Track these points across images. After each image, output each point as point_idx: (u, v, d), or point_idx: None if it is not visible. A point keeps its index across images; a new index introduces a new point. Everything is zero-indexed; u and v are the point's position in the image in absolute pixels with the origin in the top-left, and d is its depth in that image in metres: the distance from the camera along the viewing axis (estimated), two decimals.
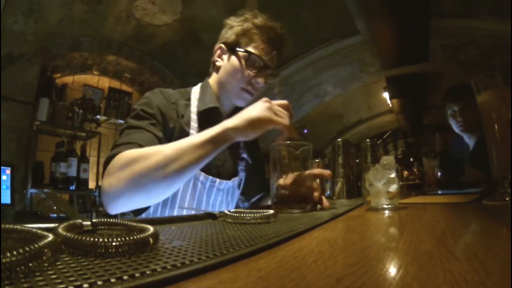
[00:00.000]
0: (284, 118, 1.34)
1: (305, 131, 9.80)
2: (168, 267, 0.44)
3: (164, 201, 1.57)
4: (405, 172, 4.57)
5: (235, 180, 1.84)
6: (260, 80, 1.72)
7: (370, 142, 2.34)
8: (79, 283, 0.36)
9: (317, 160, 1.75)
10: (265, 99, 1.35)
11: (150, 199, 1.37)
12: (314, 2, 4.94)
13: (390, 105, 8.84)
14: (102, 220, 0.71)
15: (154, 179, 1.24)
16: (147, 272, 0.41)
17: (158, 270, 0.42)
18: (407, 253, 0.58)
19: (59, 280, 0.37)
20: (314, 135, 10.22)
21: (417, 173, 4.56)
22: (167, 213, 1.60)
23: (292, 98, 7.25)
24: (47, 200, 4.11)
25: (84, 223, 0.67)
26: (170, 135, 1.56)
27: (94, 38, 4.67)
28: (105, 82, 5.45)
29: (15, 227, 0.55)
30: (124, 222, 0.71)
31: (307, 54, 6.17)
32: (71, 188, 4.37)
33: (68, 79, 4.94)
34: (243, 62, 1.69)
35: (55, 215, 3.99)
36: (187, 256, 0.50)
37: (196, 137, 1.29)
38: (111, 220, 0.72)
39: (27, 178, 4.03)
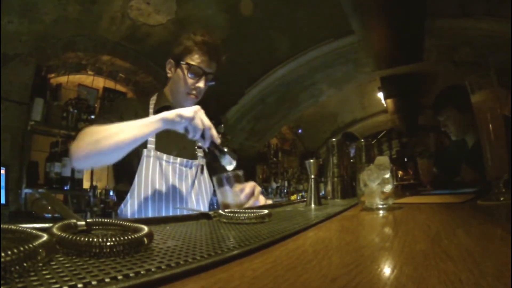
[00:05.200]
0: (200, 124, 1.66)
1: (300, 131, 9.82)
2: (163, 267, 0.44)
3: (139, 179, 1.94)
4: (400, 172, 4.59)
5: (196, 162, 2.17)
6: (201, 85, 2.07)
7: (365, 142, 2.34)
8: (73, 283, 0.36)
9: (312, 160, 1.75)
10: (197, 106, 1.70)
11: (104, 158, 1.75)
12: (308, 2, 4.95)
13: (385, 105, 8.85)
14: (97, 220, 0.71)
15: (106, 144, 1.64)
16: (142, 272, 0.41)
17: (153, 270, 0.42)
18: (402, 253, 0.59)
19: (54, 280, 0.37)
20: (308, 135, 10.24)
21: (412, 173, 4.57)
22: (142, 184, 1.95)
23: (287, 97, 7.27)
24: (41, 200, 4.10)
25: (79, 223, 0.67)
26: None
27: (88, 38, 4.65)
28: (99, 82, 5.43)
29: (10, 227, 0.54)
30: (118, 222, 0.71)
31: (302, 54, 6.18)
32: (65, 188, 4.36)
33: (63, 79, 4.92)
34: (185, 72, 2.05)
35: (49, 215, 3.97)
36: (182, 256, 0.51)
37: (139, 120, 1.68)
38: (106, 220, 0.72)
39: (22, 178, 4.01)
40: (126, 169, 1.96)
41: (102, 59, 5.12)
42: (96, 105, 5.19)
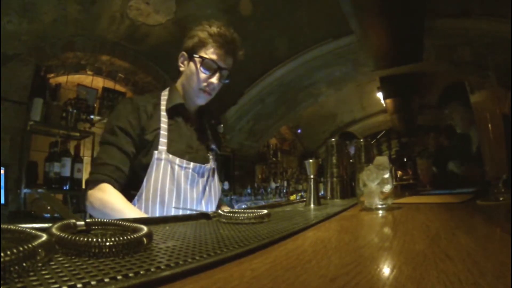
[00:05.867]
0: None
1: (299, 131, 9.82)
2: (162, 267, 0.44)
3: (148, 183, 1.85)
4: (399, 172, 4.59)
5: (208, 166, 2.07)
6: (214, 81, 1.97)
7: (364, 142, 2.34)
8: (72, 283, 0.36)
9: (311, 160, 1.75)
10: None
11: None
12: (308, 2, 4.95)
13: (384, 105, 8.85)
14: (96, 220, 0.71)
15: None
16: (141, 272, 0.41)
17: (152, 270, 0.42)
18: (401, 253, 0.59)
19: (53, 280, 0.37)
20: (307, 135, 10.24)
21: (411, 173, 4.58)
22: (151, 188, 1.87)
23: (286, 97, 7.27)
24: (41, 200, 4.09)
25: (78, 223, 0.67)
26: (143, 133, 1.88)
27: (88, 38, 4.65)
28: (99, 82, 5.43)
29: (9, 227, 0.54)
30: (118, 222, 0.71)
31: (301, 54, 6.18)
32: (64, 188, 4.34)
33: (62, 79, 4.91)
34: (198, 66, 1.95)
35: (49, 215, 3.96)
36: (181, 256, 0.51)
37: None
38: (105, 220, 0.72)
39: (21, 178, 4.00)
40: (134, 171, 1.87)
41: (102, 59, 5.12)
42: (95, 105, 5.19)
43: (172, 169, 1.89)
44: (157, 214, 1.83)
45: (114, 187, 1.74)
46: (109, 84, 5.56)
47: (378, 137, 11.14)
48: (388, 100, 8.40)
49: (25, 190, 4.00)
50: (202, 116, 2.21)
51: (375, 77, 7.39)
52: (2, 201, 3.72)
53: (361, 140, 2.36)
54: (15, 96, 4.01)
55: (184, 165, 1.93)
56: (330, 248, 0.66)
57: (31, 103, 4.12)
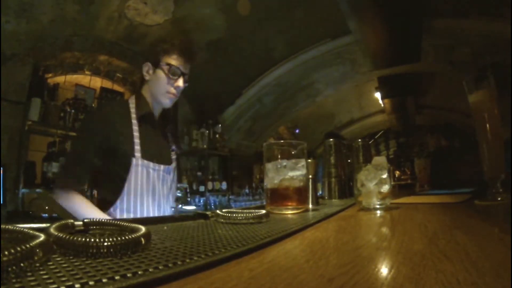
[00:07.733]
0: None
1: (297, 131, 9.80)
2: (160, 267, 0.44)
3: (128, 189, 2.06)
4: (397, 172, 4.60)
5: (173, 165, 2.33)
6: (180, 84, 2.21)
7: (362, 142, 2.34)
8: (70, 283, 0.36)
9: (309, 160, 1.75)
10: None
11: None
12: (306, 2, 4.94)
13: (382, 105, 8.84)
14: (94, 220, 0.71)
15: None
16: (139, 272, 0.41)
17: (150, 270, 0.42)
18: (399, 253, 0.59)
19: (51, 280, 0.37)
20: (306, 135, 10.23)
21: (409, 173, 4.59)
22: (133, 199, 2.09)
23: (284, 98, 7.26)
24: (39, 200, 4.09)
25: (76, 223, 0.67)
26: (113, 141, 2.05)
27: (86, 38, 4.64)
28: (97, 82, 5.42)
29: (7, 227, 0.54)
30: (116, 222, 0.71)
31: (299, 54, 6.17)
32: None
33: (60, 79, 4.90)
34: (166, 72, 2.17)
35: (47, 215, 3.96)
36: (179, 256, 0.50)
37: None
38: (103, 220, 0.71)
39: (19, 178, 3.99)
40: (113, 177, 2.07)
41: (100, 59, 5.11)
42: (93, 105, 5.18)
43: (148, 173, 2.12)
44: (139, 212, 2.08)
45: (78, 193, 1.99)
46: (107, 84, 5.56)
47: (376, 137, 11.13)
48: (386, 100, 8.40)
49: (23, 190, 4.00)
50: (164, 121, 2.42)
51: (373, 77, 7.38)
52: (0, 201, 3.71)
53: (359, 140, 2.37)
54: (13, 96, 4.01)
55: (157, 168, 2.17)
56: (328, 248, 0.66)
57: (29, 103, 4.12)
